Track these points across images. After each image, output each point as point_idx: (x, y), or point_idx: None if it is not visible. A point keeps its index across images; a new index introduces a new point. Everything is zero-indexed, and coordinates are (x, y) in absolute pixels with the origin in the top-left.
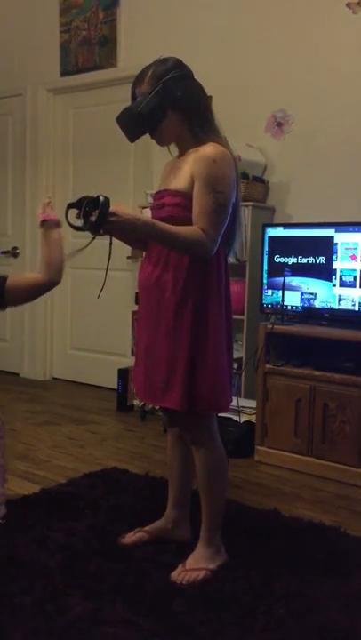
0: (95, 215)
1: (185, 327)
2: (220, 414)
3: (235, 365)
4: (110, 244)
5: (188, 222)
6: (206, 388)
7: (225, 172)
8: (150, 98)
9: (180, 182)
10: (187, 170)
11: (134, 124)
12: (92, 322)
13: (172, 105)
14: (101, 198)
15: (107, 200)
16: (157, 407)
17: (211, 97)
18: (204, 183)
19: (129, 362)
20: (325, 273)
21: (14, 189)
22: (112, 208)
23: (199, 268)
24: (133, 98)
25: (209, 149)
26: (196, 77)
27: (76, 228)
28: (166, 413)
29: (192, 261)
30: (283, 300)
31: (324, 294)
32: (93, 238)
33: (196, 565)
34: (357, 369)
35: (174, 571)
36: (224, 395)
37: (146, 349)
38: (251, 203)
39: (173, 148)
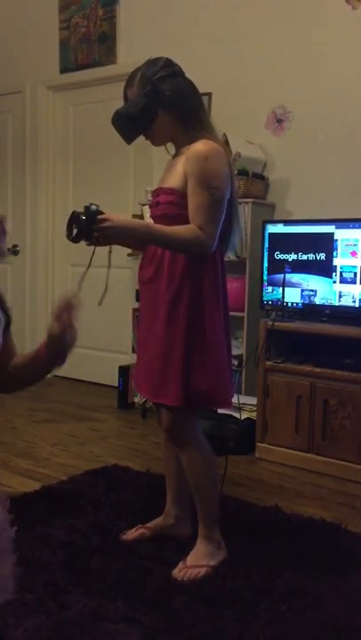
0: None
1: (179, 324)
2: (220, 411)
3: (235, 362)
4: (110, 252)
5: (182, 219)
6: (207, 385)
7: (218, 168)
8: (139, 99)
9: (173, 180)
10: (180, 168)
11: (127, 126)
12: (92, 319)
13: (162, 105)
14: (93, 207)
15: (96, 207)
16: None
17: (210, 93)
18: (198, 181)
19: (130, 359)
20: (326, 269)
21: (14, 187)
22: (104, 215)
23: (194, 266)
24: (126, 100)
25: (200, 146)
26: (195, 74)
27: (74, 239)
28: (158, 411)
29: (187, 259)
30: (283, 297)
31: (325, 291)
32: (93, 252)
33: (197, 562)
34: (358, 365)
35: (175, 568)
36: (225, 391)
37: (144, 346)
38: (251, 199)
39: (171, 147)
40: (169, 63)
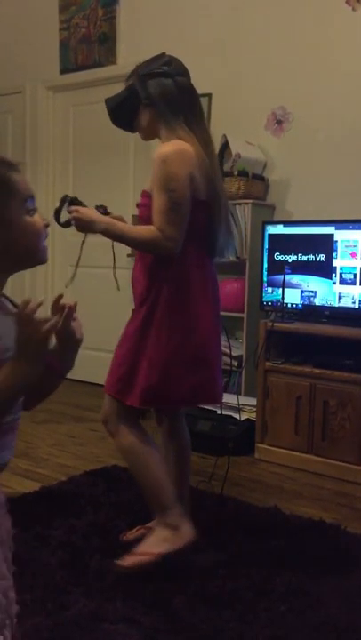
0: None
1: (135, 322)
2: (221, 412)
3: (235, 363)
4: (83, 241)
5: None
6: (154, 382)
7: (176, 170)
8: (122, 93)
9: (148, 183)
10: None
11: (110, 115)
12: (91, 320)
13: (143, 101)
14: (68, 198)
15: (70, 198)
16: None
17: (210, 94)
18: (157, 184)
19: None
20: (325, 270)
21: None
22: (75, 207)
23: (158, 267)
24: None
25: (163, 148)
26: (195, 75)
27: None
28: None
29: (152, 260)
30: (283, 298)
31: (325, 292)
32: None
33: (145, 550)
34: (357, 366)
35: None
36: (175, 391)
37: None
38: (251, 200)
39: None
40: (166, 62)
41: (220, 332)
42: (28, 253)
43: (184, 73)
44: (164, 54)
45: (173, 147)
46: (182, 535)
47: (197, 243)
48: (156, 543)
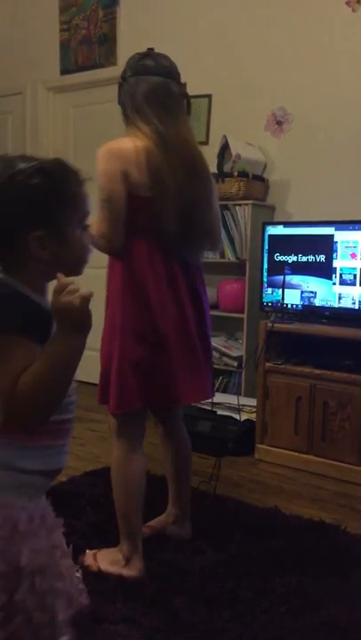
0: None
1: (105, 322)
2: (220, 412)
3: (235, 364)
4: None
5: None
6: (112, 389)
7: (104, 167)
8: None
9: None
10: None
11: None
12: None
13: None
14: None
15: None
16: None
17: (210, 95)
18: (96, 182)
19: None
20: (325, 271)
21: None
22: None
23: (112, 265)
24: None
25: (99, 148)
26: (195, 76)
27: None
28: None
29: (110, 259)
30: (283, 299)
31: (325, 292)
32: None
33: (101, 558)
34: (357, 367)
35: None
36: (109, 394)
37: None
38: (251, 201)
39: None
40: (129, 63)
41: (190, 333)
42: (74, 266)
43: (144, 71)
44: (132, 56)
45: (108, 144)
46: (130, 568)
47: (148, 240)
48: (108, 558)
